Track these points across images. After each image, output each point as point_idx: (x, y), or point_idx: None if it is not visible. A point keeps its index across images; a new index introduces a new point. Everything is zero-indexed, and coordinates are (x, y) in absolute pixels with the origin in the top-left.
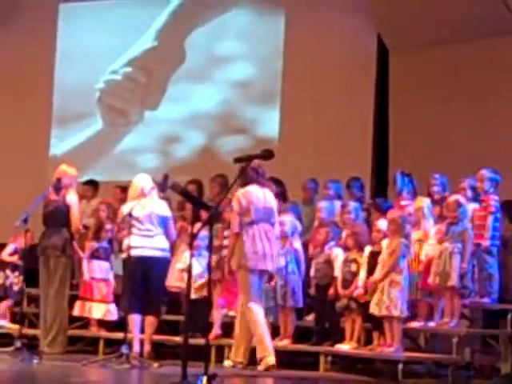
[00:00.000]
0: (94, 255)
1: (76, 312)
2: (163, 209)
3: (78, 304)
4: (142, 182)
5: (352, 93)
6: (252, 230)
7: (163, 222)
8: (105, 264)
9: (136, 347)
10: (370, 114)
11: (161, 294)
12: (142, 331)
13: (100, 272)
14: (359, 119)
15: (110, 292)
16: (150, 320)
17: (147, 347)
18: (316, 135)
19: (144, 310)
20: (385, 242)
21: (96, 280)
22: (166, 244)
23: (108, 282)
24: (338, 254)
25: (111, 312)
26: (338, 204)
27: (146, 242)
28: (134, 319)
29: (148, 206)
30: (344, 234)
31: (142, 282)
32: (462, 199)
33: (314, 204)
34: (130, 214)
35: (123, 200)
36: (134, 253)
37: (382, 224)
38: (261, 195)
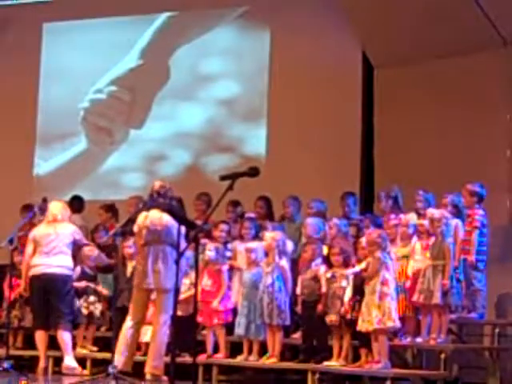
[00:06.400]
0: None
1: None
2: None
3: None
4: (54, 208)
5: (338, 109)
6: (143, 251)
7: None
8: None
9: (42, 363)
10: (357, 131)
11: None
12: None
13: None
14: (346, 136)
15: None
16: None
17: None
18: (303, 152)
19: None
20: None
21: None
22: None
23: None
24: (325, 271)
25: None
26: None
27: (48, 261)
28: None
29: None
30: (325, 250)
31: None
32: (436, 213)
33: (295, 222)
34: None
35: (109, 219)
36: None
37: None
38: (147, 220)
